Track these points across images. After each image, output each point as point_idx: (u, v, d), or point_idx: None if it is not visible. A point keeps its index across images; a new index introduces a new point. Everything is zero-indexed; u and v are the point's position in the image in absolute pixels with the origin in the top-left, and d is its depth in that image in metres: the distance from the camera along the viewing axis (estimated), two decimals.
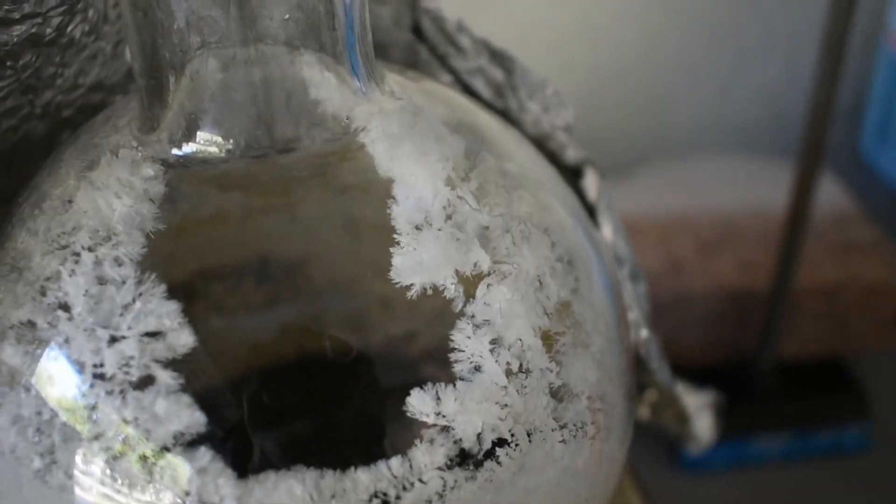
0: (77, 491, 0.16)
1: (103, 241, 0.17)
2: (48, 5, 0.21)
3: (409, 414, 0.16)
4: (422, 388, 0.16)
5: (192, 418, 0.15)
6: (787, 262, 0.47)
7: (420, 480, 0.16)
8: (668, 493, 0.49)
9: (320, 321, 0.17)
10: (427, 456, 0.16)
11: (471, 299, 0.17)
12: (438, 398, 0.16)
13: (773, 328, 0.49)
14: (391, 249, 0.17)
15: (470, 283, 0.17)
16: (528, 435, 0.17)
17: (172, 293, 0.16)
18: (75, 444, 0.16)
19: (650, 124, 0.66)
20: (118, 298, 0.16)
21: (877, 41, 0.66)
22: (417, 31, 0.25)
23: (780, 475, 0.51)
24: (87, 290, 0.16)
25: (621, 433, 0.20)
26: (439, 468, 0.16)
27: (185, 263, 0.17)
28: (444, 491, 0.16)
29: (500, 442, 0.16)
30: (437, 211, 0.17)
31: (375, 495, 0.16)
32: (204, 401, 0.16)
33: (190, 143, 0.17)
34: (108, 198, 0.17)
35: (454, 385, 0.16)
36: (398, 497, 0.16)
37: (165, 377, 0.16)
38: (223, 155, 0.17)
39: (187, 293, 0.16)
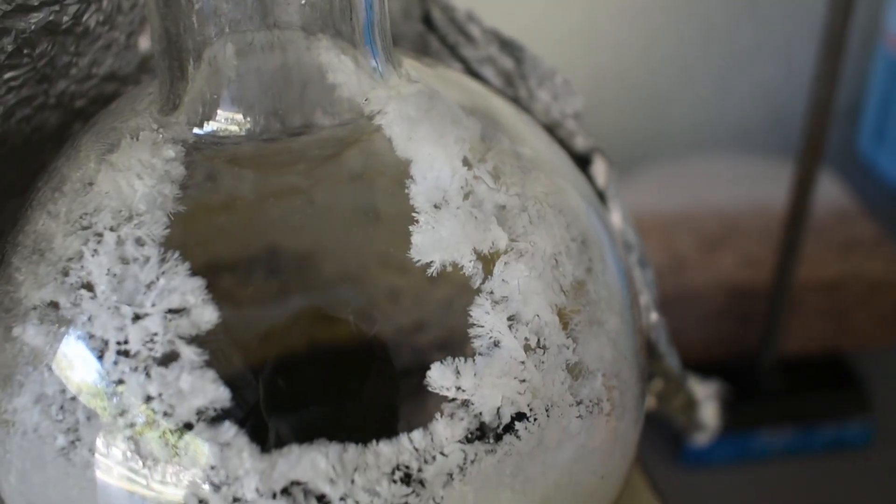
0: (101, 467, 0.16)
1: (125, 221, 0.17)
2: None
3: (429, 388, 0.16)
4: (442, 362, 0.16)
5: (216, 393, 0.16)
6: (788, 258, 0.48)
7: (441, 453, 0.16)
8: (670, 487, 0.49)
9: (340, 299, 0.17)
10: (448, 429, 0.16)
11: (489, 276, 0.17)
12: (458, 373, 0.16)
13: (775, 324, 0.50)
14: (410, 228, 0.17)
15: (488, 261, 0.17)
16: (546, 410, 0.17)
17: (195, 271, 0.16)
18: (99, 421, 0.16)
19: (648, 124, 0.67)
20: (142, 276, 0.16)
21: (874, 42, 0.67)
22: (427, 20, 0.25)
23: (782, 470, 0.51)
24: (109, 269, 0.17)
25: (635, 413, 0.20)
26: (460, 441, 0.16)
27: (206, 243, 0.17)
28: (464, 464, 0.16)
29: (519, 416, 0.17)
30: (455, 190, 0.17)
31: (398, 468, 0.16)
32: (227, 376, 0.16)
33: (210, 122, 0.17)
34: (129, 179, 0.17)
35: (473, 360, 0.16)
36: (420, 469, 0.16)
37: (189, 353, 0.16)
38: (243, 133, 0.17)
39: (210, 272, 0.16)
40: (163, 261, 0.16)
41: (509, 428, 0.17)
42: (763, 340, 0.51)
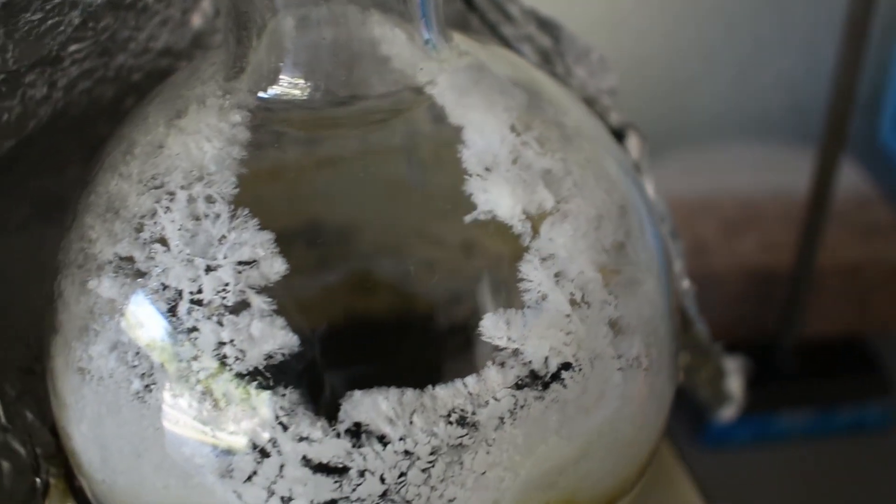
0: (175, 409, 0.17)
1: (196, 180, 0.18)
2: None
3: (482, 338, 0.17)
4: (494, 314, 0.17)
5: (285, 339, 0.17)
6: (809, 243, 0.49)
7: (494, 398, 0.17)
8: (691, 467, 0.50)
9: (399, 255, 0.18)
10: (500, 376, 0.17)
11: (537, 235, 0.18)
12: (508, 324, 0.17)
13: (796, 307, 0.50)
14: (462, 188, 0.18)
15: (535, 221, 0.18)
16: (591, 361, 0.18)
17: (265, 226, 0.17)
18: (174, 366, 0.17)
19: (670, 112, 0.67)
20: (213, 231, 0.17)
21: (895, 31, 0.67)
22: (468, 0, 0.26)
23: (802, 451, 0.52)
24: (182, 225, 0.18)
25: (670, 370, 0.21)
26: (510, 388, 0.17)
27: (270, 201, 0.18)
28: (514, 409, 0.17)
29: (565, 366, 0.18)
30: (504, 154, 0.18)
31: (454, 411, 0.17)
32: (294, 325, 0.17)
33: (273, 87, 0.19)
34: (198, 142, 0.18)
35: (523, 312, 0.17)
36: (474, 413, 0.17)
37: (259, 302, 0.17)
38: (305, 97, 0.18)
39: (275, 228, 0.18)
40: (233, 216, 0.17)
41: (556, 377, 0.18)
42: (783, 323, 0.51)
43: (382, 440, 0.17)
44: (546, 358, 0.17)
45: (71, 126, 0.25)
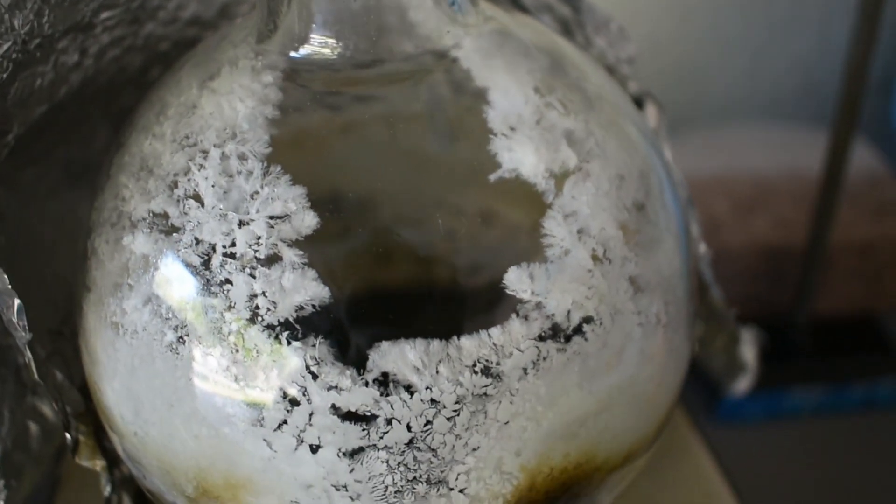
0: (209, 359, 0.18)
1: (229, 138, 0.18)
2: None
3: (506, 290, 0.18)
4: (518, 267, 0.18)
5: (316, 290, 0.17)
6: (822, 221, 0.49)
7: (517, 349, 0.18)
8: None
9: (426, 211, 0.18)
10: (524, 328, 0.18)
11: (560, 192, 0.18)
12: (532, 277, 0.18)
13: (808, 285, 0.51)
14: (488, 147, 0.18)
15: (559, 179, 0.19)
16: (611, 315, 0.19)
17: (297, 181, 0.18)
18: (207, 317, 0.18)
19: (685, 95, 0.68)
20: (246, 187, 0.18)
21: None
22: None
23: (814, 428, 0.53)
24: (215, 182, 0.18)
25: (686, 329, 0.21)
26: (534, 339, 0.18)
27: (302, 159, 0.19)
28: (538, 360, 0.18)
29: (587, 320, 0.18)
30: (529, 114, 0.19)
31: (479, 361, 0.17)
32: (325, 276, 0.17)
33: (304, 47, 0.19)
34: (231, 101, 0.19)
35: (546, 266, 0.18)
36: (498, 363, 0.17)
37: (291, 255, 0.17)
38: (334, 57, 0.19)
39: (307, 185, 0.18)
40: (266, 173, 0.18)
41: (578, 330, 0.18)
42: (796, 301, 0.52)
43: (409, 389, 0.17)
44: (568, 311, 0.18)
45: (98, 94, 0.25)
